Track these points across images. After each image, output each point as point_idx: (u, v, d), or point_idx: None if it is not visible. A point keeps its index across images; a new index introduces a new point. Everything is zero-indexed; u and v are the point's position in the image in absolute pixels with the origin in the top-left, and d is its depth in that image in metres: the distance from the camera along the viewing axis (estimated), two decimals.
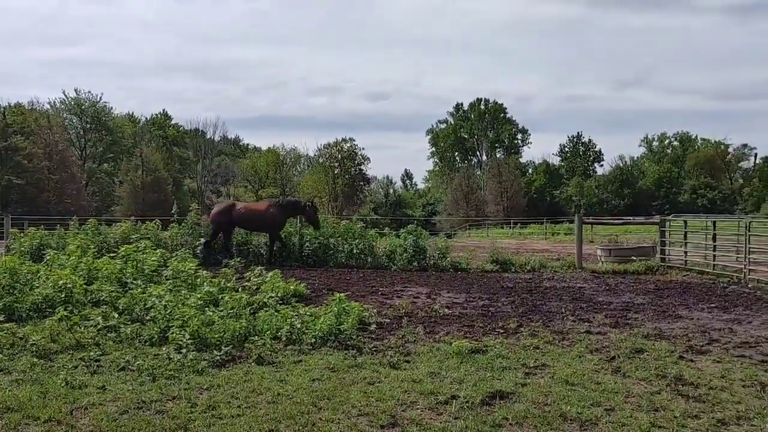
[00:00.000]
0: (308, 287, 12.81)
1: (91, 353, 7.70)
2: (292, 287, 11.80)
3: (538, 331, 9.30)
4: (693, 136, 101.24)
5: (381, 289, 13.71)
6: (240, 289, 11.60)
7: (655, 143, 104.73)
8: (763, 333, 9.34)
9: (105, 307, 9.83)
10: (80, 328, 8.72)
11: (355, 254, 18.51)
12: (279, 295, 11.07)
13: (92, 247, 15.39)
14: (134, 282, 11.45)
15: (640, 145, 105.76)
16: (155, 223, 19.47)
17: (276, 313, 9.39)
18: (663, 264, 17.95)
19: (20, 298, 10.18)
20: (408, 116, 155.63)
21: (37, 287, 10.70)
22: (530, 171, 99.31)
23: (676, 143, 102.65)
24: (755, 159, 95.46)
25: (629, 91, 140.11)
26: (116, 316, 9.29)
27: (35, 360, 7.41)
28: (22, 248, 17.21)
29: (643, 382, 6.75)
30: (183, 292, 10.48)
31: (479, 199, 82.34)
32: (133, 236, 17.46)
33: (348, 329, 8.82)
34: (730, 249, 18.48)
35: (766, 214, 62.28)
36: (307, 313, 9.53)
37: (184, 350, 7.70)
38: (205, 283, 11.18)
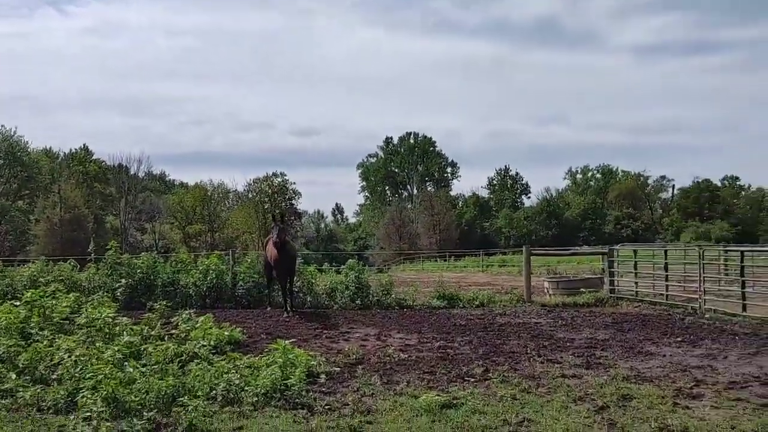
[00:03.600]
0: (244, 332, 11.44)
1: None
2: (226, 333, 10.47)
3: (508, 377, 8.31)
4: (614, 169, 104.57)
5: (325, 331, 12.48)
6: (166, 338, 10.17)
7: (579, 176, 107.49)
8: (746, 369, 8.66)
9: (1, 366, 8.24)
10: None
11: (293, 293, 17.17)
12: (212, 343, 9.72)
13: None
14: (40, 333, 9.87)
15: (565, 178, 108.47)
16: (70, 263, 17.65)
17: (209, 367, 8.01)
18: (612, 295, 17.42)
19: None
20: (338, 151, 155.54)
21: None
22: (460, 204, 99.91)
23: (598, 176, 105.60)
24: (673, 190, 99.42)
25: (551, 126, 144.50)
26: (14, 377, 7.75)
27: None
28: None
29: None
30: (98, 343, 9.00)
31: (411, 232, 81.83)
32: (44, 278, 15.69)
33: (295, 384, 7.58)
34: (677, 278, 18.21)
35: (686, 242, 64.19)
36: (246, 365, 8.25)
37: (95, 421, 6.25)
38: (124, 332, 9.72)
